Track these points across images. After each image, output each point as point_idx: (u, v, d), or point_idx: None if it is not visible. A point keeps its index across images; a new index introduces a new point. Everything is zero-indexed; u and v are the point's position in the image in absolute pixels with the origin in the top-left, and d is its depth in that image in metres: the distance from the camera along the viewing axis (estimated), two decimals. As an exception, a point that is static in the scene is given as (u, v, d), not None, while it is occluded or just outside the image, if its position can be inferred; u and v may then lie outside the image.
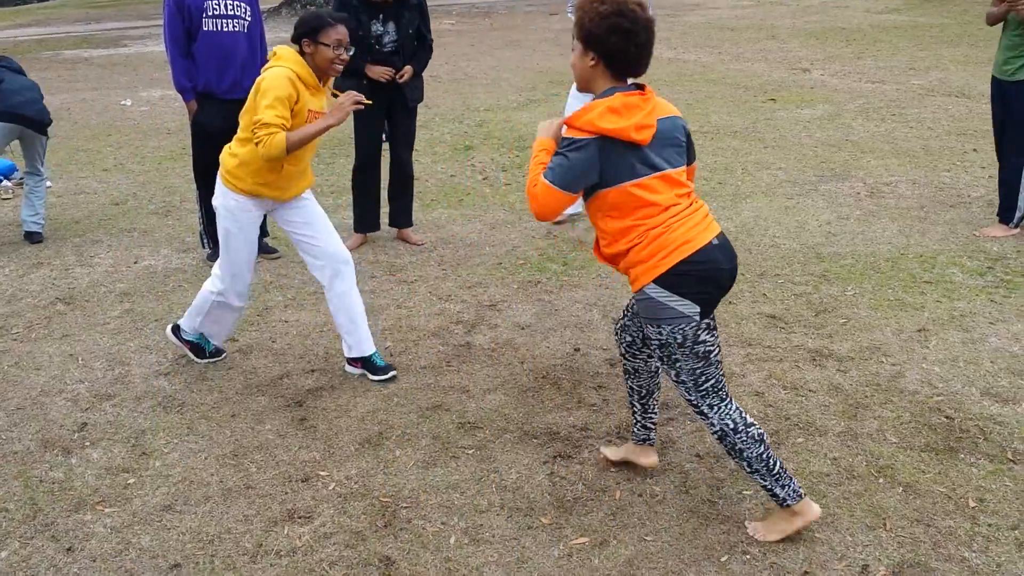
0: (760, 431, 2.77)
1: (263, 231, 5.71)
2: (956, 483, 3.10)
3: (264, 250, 5.61)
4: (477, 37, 16.74)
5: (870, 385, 3.77)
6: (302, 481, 3.24)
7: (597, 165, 2.64)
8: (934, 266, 5.02)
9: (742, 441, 2.74)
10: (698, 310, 2.65)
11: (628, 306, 3.07)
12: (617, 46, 2.63)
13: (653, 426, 3.18)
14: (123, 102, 10.99)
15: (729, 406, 2.78)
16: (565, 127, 2.73)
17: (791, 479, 2.78)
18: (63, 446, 3.51)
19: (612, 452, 3.26)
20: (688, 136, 2.82)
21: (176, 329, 4.16)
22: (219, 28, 5.10)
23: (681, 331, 2.67)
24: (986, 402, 3.60)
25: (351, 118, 5.51)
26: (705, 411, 2.78)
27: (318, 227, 3.88)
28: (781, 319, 4.42)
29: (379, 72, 5.29)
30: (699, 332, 2.68)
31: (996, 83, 5.41)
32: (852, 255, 5.24)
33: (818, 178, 6.84)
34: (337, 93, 3.72)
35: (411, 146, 5.68)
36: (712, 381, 2.74)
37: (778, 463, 2.76)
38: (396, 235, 5.84)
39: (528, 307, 4.69)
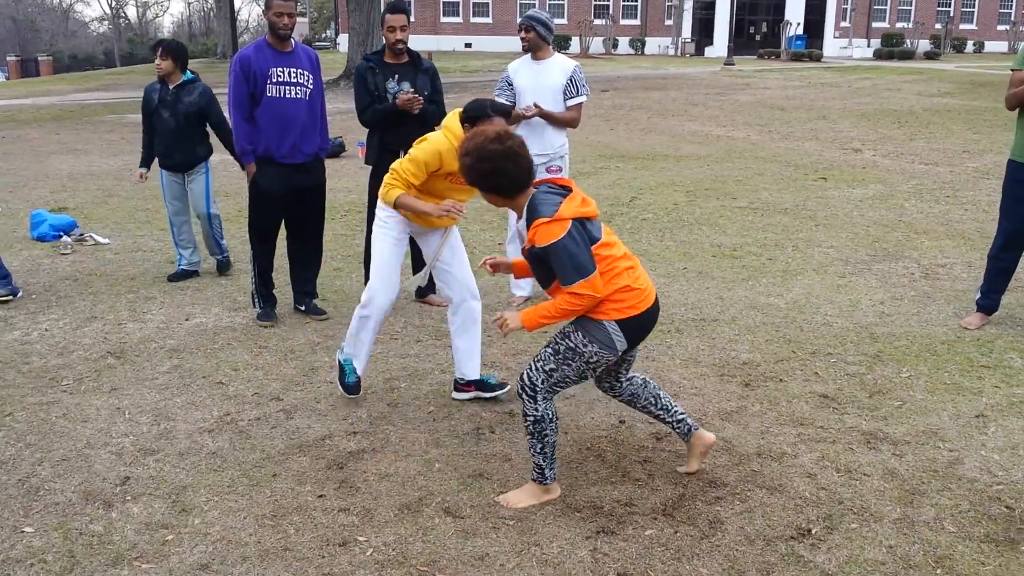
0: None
1: (312, 293, 5.78)
2: (1020, 578, 2.95)
3: (312, 311, 5.66)
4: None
5: (927, 471, 3.64)
6: (340, 545, 3.19)
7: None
8: (992, 350, 4.89)
9: (552, 430, 3.30)
10: (626, 345, 3.21)
11: (608, 370, 3.51)
12: (494, 185, 3.04)
13: (684, 414, 3.56)
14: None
15: (553, 403, 3.30)
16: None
17: (555, 463, 3.39)
18: (104, 499, 3.51)
19: (685, 468, 3.61)
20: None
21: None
22: (282, 95, 5.25)
23: (595, 350, 3.21)
24: (1050, 493, 3.45)
25: (372, 183, 5.68)
26: (537, 396, 3.25)
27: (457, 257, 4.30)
28: (834, 399, 4.31)
29: (404, 100, 5.45)
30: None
31: (1020, 168, 5.02)
32: (907, 336, 5.12)
33: (871, 257, 6.75)
34: None
35: None
36: (563, 384, 3.27)
37: (554, 448, 3.36)
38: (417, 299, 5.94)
39: (573, 377, 4.64)
